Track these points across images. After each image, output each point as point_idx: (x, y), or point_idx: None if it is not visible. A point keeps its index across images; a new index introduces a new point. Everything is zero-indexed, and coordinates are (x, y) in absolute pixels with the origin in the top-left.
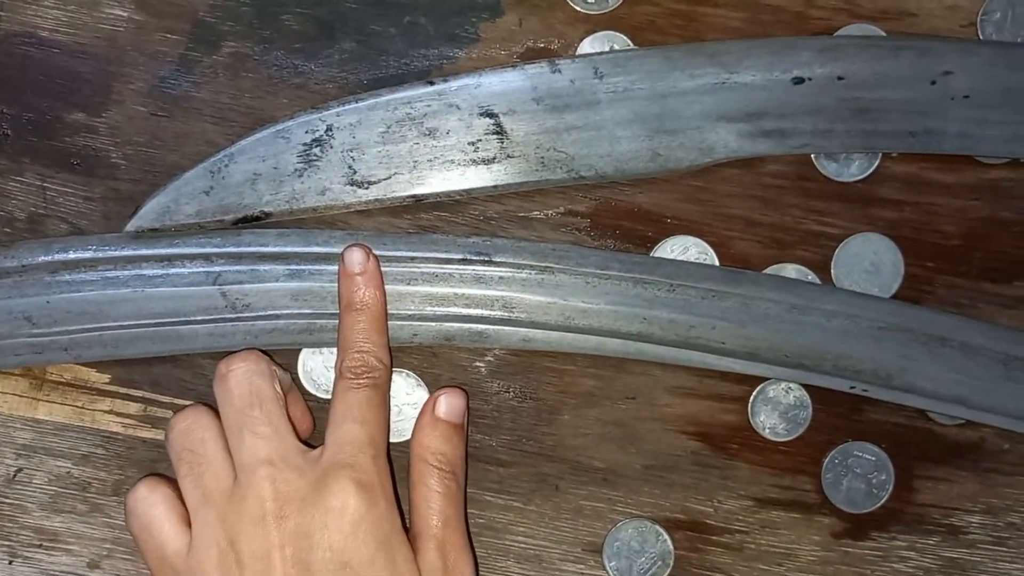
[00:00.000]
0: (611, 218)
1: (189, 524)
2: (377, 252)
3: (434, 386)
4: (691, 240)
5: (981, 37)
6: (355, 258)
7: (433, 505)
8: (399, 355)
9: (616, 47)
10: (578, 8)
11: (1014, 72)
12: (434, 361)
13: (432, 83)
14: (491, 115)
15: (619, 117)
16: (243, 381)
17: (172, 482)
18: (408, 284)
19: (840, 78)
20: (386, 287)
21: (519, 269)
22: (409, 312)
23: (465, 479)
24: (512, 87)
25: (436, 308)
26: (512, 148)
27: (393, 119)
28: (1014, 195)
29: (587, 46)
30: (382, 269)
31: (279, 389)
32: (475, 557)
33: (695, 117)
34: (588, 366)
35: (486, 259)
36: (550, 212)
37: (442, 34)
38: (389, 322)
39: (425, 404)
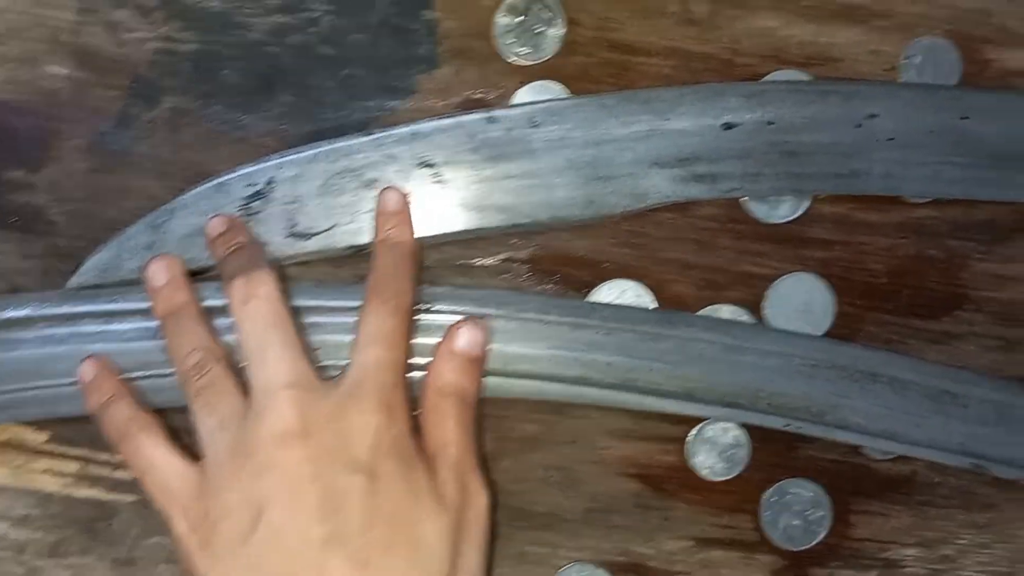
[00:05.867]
0: (549, 264)
1: (196, 458)
2: (317, 303)
3: None
4: (627, 284)
5: (903, 80)
6: (390, 198)
7: (449, 433)
8: None
9: (551, 96)
10: (513, 60)
11: (935, 114)
12: None
13: (371, 134)
14: (429, 165)
15: (555, 165)
16: (265, 305)
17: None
18: (349, 334)
19: (769, 123)
20: (327, 337)
21: (459, 316)
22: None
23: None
24: (450, 137)
25: None
26: (450, 197)
27: (333, 171)
28: (939, 233)
29: (523, 95)
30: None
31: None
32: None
33: (629, 164)
34: (528, 411)
35: (426, 307)
36: (489, 259)
37: (380, 86)
38: (333, 374)
39: (445, 335)
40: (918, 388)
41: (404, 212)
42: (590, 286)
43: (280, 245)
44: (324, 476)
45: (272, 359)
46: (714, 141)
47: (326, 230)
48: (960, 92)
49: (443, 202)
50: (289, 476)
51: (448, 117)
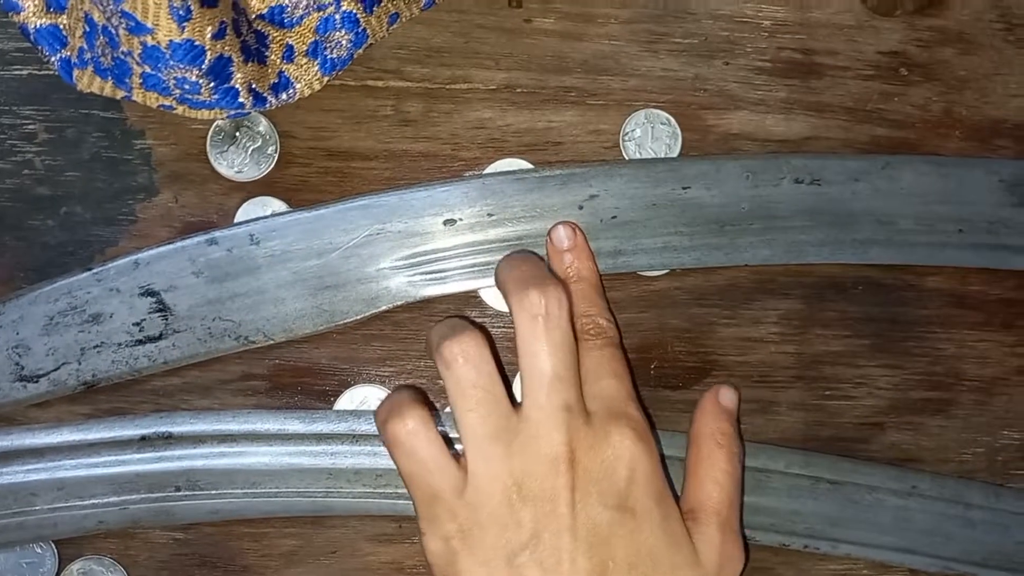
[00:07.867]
0: (290, 377)
1: (457, 460)
2: (55, 440)
3: (133, 568)
4: (369, 389)
5: (625, 157)
6: (562, 234)
7: (722, 484)
8: (94, 541)
9: (273, 211)
10: (231, 178)
11: (656, 187)
12: (131, 543)
13: (90, 269)
14: (152, 293)
15: (281, 279)
16: (554, 327)
17: (434, 415)
18: (90, 470)
19: (490, 215)
20: (68, 475)
21: (199, 442)
22: (93, 500)
23: None
24: (170, 264)
25: (120, 493)
26: (178, 323)
27: (55, 310)
28: (680, 303)
29: (243, 213)
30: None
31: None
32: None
33: (355, 270)
34: (286, 526)
35: (166, 435)
36: (228, 379)
37: (100, 220)
38: (72, 512)
39: (707, 394)
40: (674, 461)
41: (578, 244)
42: (334, 395)
43: (9, 391)
44: (589, 508)
45: (554, 380)
46: (438, 239)
47: (54, 370)
48: (678, 163)
49: (170, 329)
50: (557, 504)
51: (167, 243)
